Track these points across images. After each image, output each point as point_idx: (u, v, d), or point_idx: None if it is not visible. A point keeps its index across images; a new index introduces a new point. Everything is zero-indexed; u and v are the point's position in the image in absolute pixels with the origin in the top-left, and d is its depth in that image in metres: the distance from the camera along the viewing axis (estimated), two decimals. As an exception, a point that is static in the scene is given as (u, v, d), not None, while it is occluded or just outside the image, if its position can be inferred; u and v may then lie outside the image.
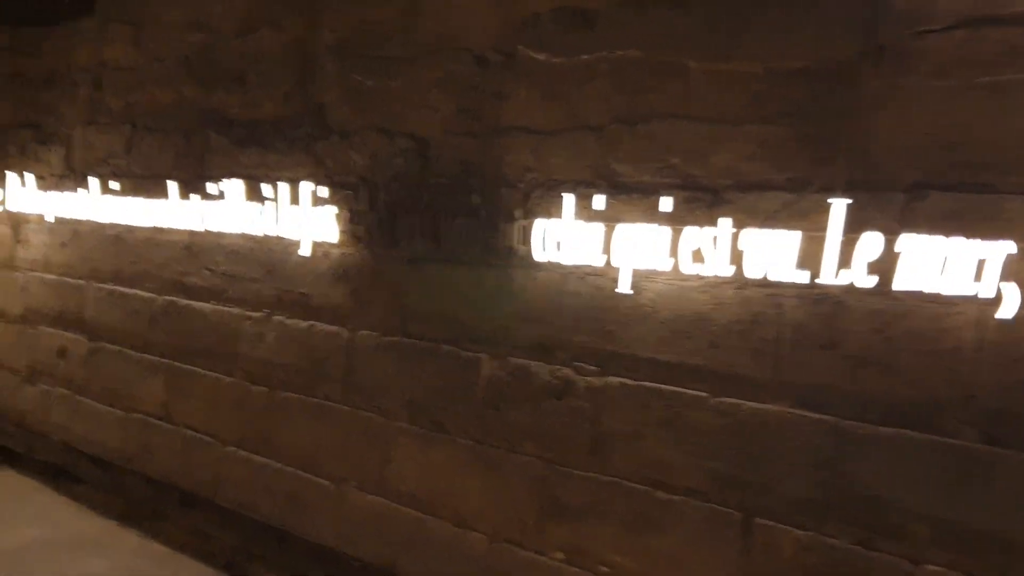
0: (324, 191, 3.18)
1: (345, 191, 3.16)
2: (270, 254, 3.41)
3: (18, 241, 4.67)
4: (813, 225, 2.11)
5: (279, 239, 3.34)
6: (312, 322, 3.25)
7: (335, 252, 3.19)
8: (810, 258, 2.10)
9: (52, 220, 4.42)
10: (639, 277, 2.39)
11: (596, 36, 2.52)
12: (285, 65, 3.39)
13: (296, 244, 3.28)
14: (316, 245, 3.23)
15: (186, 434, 3.69)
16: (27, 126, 4.61)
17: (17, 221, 4.66)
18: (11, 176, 4.61)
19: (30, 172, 4.52)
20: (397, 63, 3.03)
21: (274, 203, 3.33)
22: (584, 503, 2.49)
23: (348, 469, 3.10)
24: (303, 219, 3.24)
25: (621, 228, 2.39)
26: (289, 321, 3.34)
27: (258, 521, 3.38)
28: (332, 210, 3.17)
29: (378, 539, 3.00)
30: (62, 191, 4.33)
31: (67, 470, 4.30)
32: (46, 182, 4.46)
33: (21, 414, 4.57)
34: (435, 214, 2.87)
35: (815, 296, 2.12)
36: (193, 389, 3.68)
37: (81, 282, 4.27)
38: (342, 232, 3.16)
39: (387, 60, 3.07)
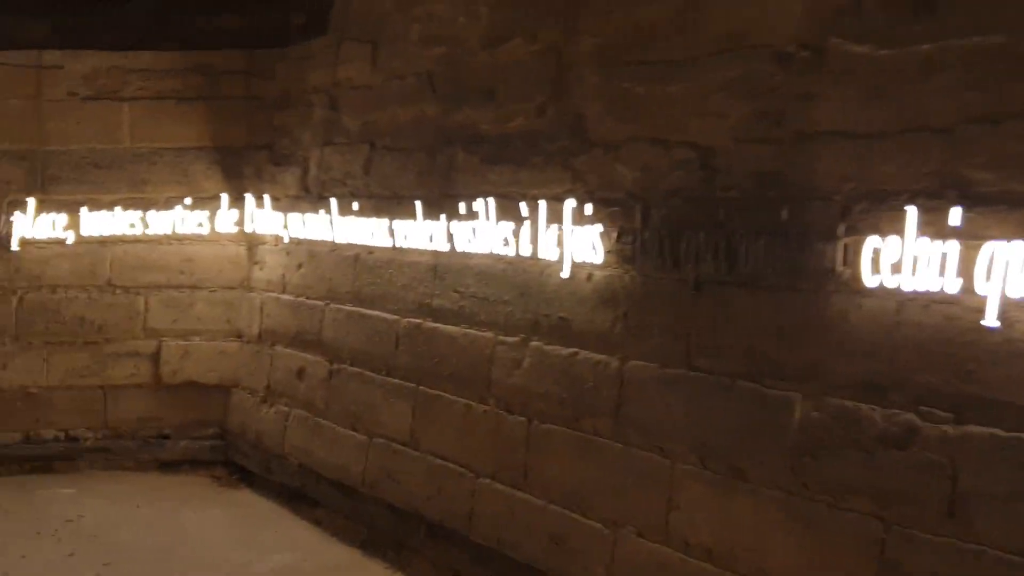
0: (587, 208, 2.95)
1: (611, 208, 2.92)
2: (524, 276, 3.21)
3: (254, 262, 4.74)
4: None
5: (534, 260, 3.14)
6: (575, 349, 3.02)
7: (599, 274, 2.95)
8: None
9: (288, 241, 4.44)
10: (1010, 307, 1.98)
11: (939, 22, 2.15)
12: (538, 76, 3.19)
13: (553, 265, 3.06)
14: (576, 266, 3.00)
15: (434, 462, 3.55)
16: (263, 148, 4.67)
17: (253, 242, 4.73)
18: (248, 198, 4.68)
19: (266, 194, 4.58)
20: (673, 66, 2.76)
21: (529, 222, 3.14)
22: (937, 573, 2.11)
23: (623, 512, 2.84)
24: (562, 239, 3.02)
25: (987, 247, 1.99)
26: (548, 347, 3.12)
27: (517, 561, 3.18)
28: (596, 229, 2.93)
29: (660, 591, 2.72)
30: (298, 212, 4.34)
31: (305, 493, 4.29)
32: (282, 203, 4.49)
33: (258, 435, 4.62)
34: (728, 233, 2.56)
35: None
36: (441, 415, 3.53)
37: (319, 303, 4.25)
38: (607, 252, 2.92)
39: (661, 64, 2.80)
